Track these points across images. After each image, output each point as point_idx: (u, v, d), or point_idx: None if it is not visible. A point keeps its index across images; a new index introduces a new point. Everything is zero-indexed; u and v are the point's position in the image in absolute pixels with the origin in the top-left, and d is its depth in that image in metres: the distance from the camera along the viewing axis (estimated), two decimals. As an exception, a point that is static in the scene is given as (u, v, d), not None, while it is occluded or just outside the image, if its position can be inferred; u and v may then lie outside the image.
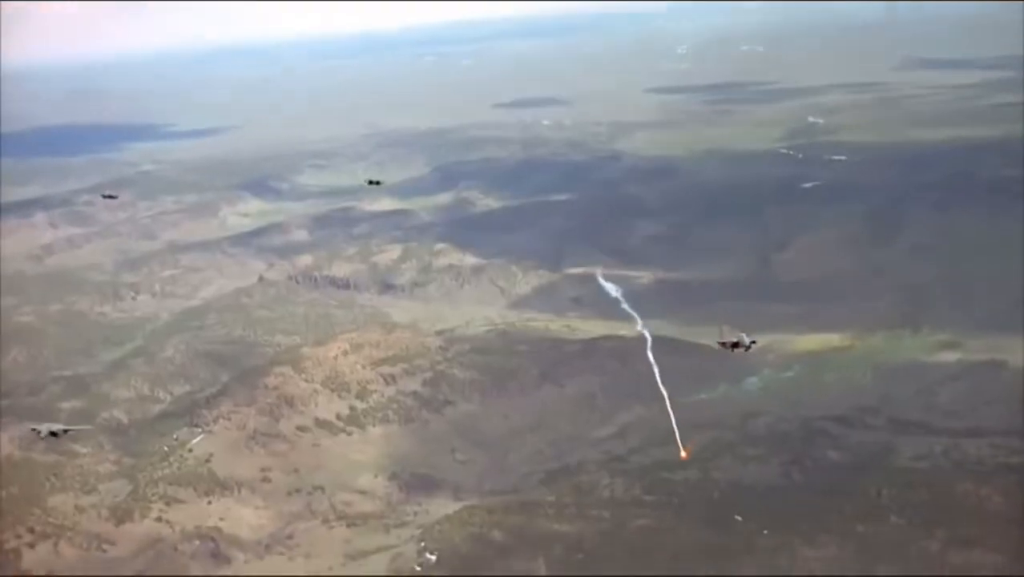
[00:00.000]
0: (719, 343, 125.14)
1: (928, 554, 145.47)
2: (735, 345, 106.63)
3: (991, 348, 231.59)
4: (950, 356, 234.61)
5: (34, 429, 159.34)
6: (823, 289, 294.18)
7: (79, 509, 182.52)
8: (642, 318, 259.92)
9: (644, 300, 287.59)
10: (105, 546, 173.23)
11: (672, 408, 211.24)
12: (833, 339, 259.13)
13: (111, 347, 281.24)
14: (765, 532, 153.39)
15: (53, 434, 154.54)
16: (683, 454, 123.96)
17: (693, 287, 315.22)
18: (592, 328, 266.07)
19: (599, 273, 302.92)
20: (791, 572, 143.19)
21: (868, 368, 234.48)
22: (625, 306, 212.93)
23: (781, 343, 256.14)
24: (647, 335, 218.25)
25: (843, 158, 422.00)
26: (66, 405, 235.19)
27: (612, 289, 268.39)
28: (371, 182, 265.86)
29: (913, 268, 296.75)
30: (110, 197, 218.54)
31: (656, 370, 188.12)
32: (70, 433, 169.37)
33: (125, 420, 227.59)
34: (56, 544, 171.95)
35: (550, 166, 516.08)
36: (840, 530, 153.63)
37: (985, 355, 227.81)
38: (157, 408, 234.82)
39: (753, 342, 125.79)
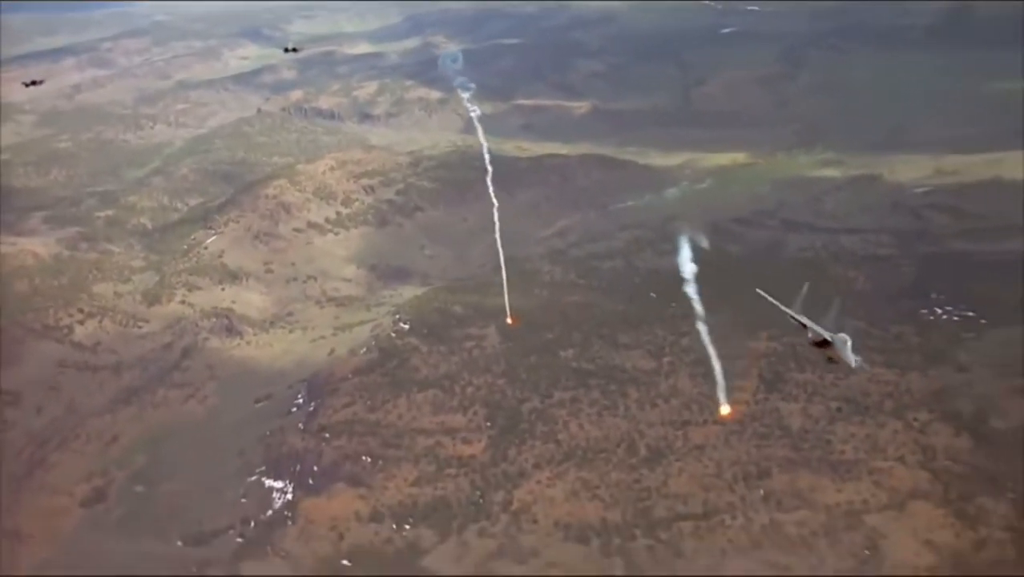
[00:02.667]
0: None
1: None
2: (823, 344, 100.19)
3: (869, 165, 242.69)
4: (835, 172, 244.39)
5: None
6: (734, 118, 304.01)
7: (117, 295, 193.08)
8: (582, 141, 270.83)
9: (584, 127, 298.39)
10: (140, 324, 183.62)
11: (605, 215, 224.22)
12: (740, 158, 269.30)
13: (135, 168, 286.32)
14: (673, 304, 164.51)
15: None
16: (509, 321, 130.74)
17: (626, 116, 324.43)
18: (538, 149, 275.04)
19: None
20: (683, 335, 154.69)
21: (767, 181, 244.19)
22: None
23: (697, 160, 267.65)
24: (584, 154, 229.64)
25: (756, 8, 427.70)
26: (100, 214, 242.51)
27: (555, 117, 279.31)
28: (287, 49, 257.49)
29: (810, 101, 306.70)
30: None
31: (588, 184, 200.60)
32: None
33: (150, 225, 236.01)
34: (100, 321, 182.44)
35: (505, 16, 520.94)
36: (731, 302, 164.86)
37: (864, 171, 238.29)
38: (176, 216, 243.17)
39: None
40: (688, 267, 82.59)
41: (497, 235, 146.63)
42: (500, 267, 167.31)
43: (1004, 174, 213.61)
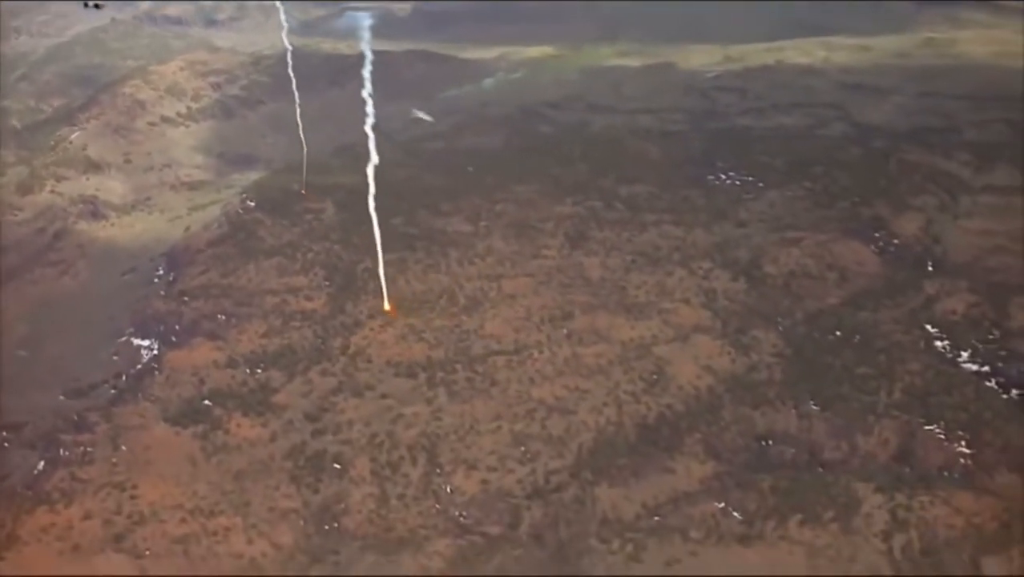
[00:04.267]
0: None
1: (602, 188, 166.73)
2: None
3: (665, 55, 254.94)
4: (636, 61, 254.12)
5: None
6: (544, 14, 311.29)
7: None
8: (405, 39, 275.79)
9: (406, 26, 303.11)
10: (15, 212, 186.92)
11: (428, 103, 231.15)
12: (550, 50, 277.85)
13: (2, 75, 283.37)
14: (489, 177, 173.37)
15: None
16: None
17: (446, 15, 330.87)
18: (362, 48, 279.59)
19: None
20: (497, 202, 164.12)
21: (575, 70, 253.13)
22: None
23: (511, 54, 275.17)
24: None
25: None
26: None
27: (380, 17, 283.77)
28: (88, 4, 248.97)
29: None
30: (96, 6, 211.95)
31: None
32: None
33: (19, 125, 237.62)
34: None
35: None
36: (540, 174, 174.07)
37: (661, 59, 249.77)
38: (43, 116, 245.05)
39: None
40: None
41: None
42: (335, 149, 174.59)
43: (785, 59, 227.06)
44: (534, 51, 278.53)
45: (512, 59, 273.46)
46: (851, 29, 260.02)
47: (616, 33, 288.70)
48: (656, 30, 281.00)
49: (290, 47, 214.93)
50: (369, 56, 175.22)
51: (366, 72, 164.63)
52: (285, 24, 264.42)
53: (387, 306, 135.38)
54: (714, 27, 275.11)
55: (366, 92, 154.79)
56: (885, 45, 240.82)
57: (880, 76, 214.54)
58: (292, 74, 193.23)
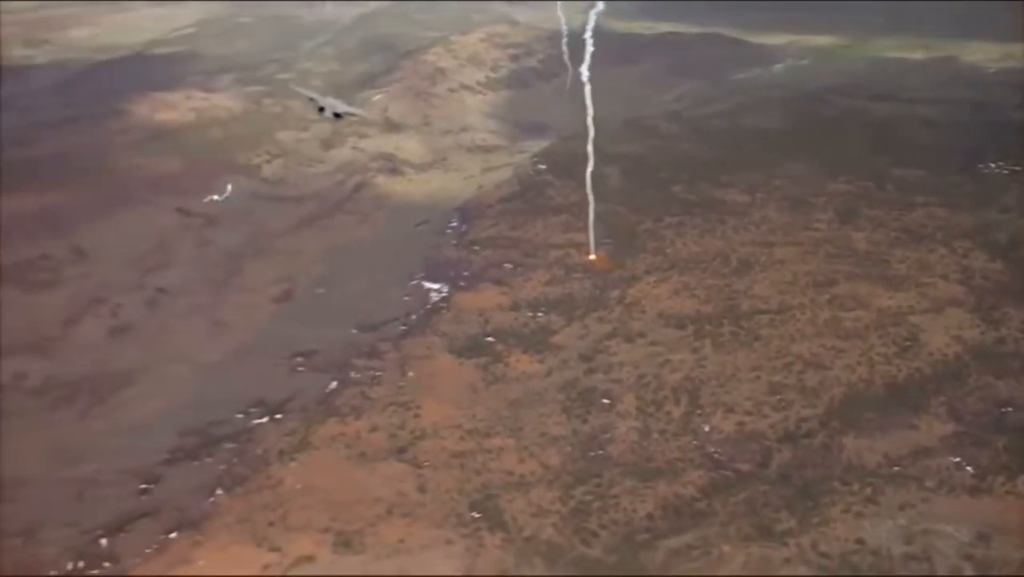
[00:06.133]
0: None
1: (875, 169, 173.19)
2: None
3: (949, 48, 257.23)
4: (919, 54, 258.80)
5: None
6: (831, 4, 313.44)
7: (298, 140, 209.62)
8: (697, 23, 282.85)
9: (697, 10, 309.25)
10: (317, 164, 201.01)
11: (717, 84, 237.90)
12: (837, 40, 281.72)
13: (308, 40, 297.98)
14: (768, 154, 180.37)
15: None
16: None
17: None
18: (659, 28, 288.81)
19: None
20: (774, 177, 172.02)
21: (860, 60, 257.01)
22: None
23: (799, 41, 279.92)
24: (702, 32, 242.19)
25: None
26: (279, 77, 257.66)
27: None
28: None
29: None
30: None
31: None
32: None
33: (323, 85, 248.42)
34: (284, 161, 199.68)
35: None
36: (816, 154, 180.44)
37: (944, 53, 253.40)
38: (346, 79, 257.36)
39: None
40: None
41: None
42: (624, 123, 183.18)
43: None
44: (822, 39, 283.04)
45: (800, 46, 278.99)
46: None
47: (902, 26, 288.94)
48: (939, 25, 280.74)
49: (588, 24, 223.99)
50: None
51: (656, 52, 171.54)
52: (583, 2, 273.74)
53: (593, 256, 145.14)
54: (994, 25, 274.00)
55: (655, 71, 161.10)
56: None
57: None
58: (587, 50, 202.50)
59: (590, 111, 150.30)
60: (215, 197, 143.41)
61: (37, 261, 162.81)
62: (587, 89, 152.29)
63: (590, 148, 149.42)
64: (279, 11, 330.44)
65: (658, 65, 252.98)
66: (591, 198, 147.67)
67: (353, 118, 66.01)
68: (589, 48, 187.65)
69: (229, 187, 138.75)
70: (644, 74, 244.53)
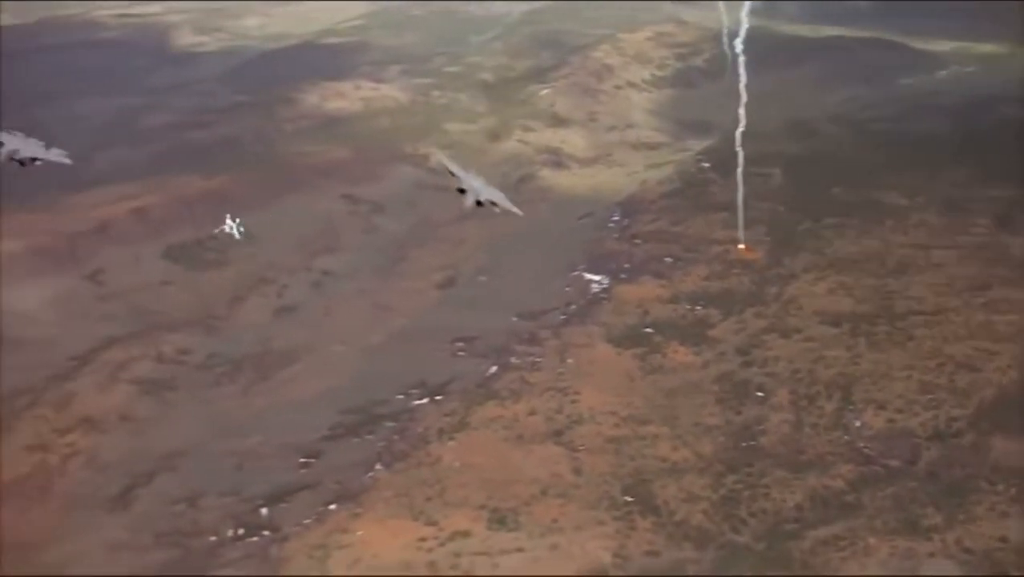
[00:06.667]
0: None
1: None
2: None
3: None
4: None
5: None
6: (994, 12, 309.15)
7: (465, 132, 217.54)
8: (861, 27, 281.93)
9: (860, 15, 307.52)
10: (483, 156, 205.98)
11: (880, 89, 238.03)
12: (1002, 47, 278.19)
13: (477, 34, 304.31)
14: (928, 159, 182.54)
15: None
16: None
17: (900, 7, 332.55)
18: (825, 31, 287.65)
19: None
20: (933, 181, 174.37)
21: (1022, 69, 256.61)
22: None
23: (965, 48, 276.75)
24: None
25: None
26: (449, 69, 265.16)
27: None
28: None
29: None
30: None
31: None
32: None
33: (491, 79, 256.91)
34: (451, 153, 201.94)
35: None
36: (976, 160, 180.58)
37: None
38: (513, 73, 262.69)
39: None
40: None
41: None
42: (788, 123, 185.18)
43: None
44: (986, 47, 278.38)
45: (965, 53, 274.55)
46: None
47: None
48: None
49: (746, 26, 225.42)
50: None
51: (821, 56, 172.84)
52: (748, 3, 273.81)
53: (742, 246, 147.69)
54: None
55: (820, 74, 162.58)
56: None
57: None
58: (750, 51, 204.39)
59: (747, 112, 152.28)
60: (223, 228, 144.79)
61: (206, 241, 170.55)
62: (745, 90, 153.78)
63: (741, 149, 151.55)
64: (448, 5, 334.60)
65: (822, 68, 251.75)
66: (740, 190, 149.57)
67: (495, 209, 65.30)
68: (740, 50, 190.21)
69: (229, 222, 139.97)
70: (808, 77, 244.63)
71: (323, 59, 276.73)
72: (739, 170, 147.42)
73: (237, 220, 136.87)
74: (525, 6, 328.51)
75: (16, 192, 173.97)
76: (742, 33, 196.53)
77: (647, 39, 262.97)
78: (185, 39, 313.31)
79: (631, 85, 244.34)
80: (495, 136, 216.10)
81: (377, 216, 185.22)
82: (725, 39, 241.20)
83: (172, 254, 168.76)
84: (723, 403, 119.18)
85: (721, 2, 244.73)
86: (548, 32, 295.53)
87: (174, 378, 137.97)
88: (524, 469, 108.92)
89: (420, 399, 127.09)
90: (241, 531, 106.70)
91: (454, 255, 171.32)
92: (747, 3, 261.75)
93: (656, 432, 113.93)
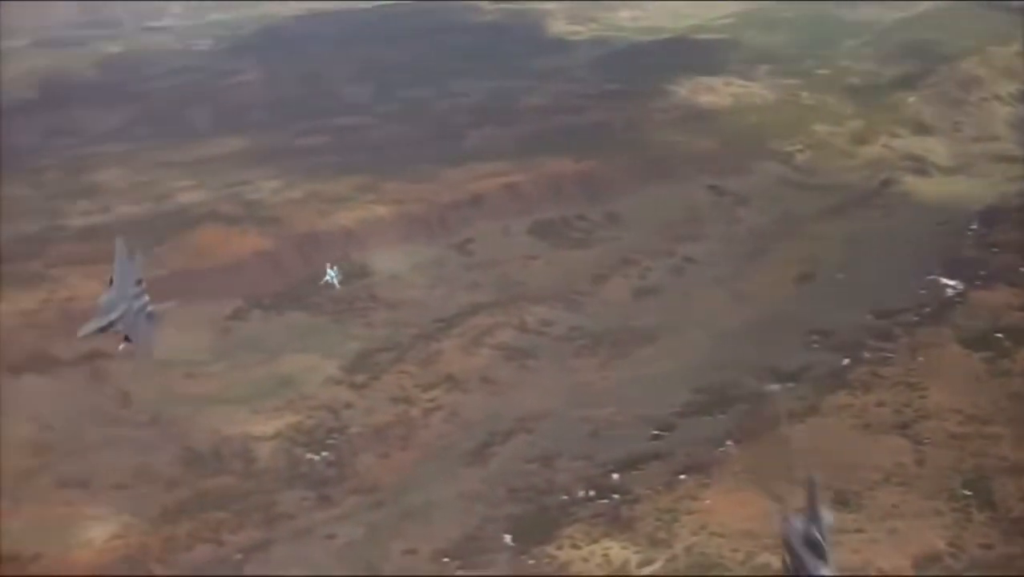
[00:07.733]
0: None
1: None
2: None
3: None
4: None
5: None
6: None
7: (831, 134, 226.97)
8: None
9: None
10: (848, 158, 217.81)
11: None
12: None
13: (848, 39, 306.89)
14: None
15: None
16: None
17: None
18: None
19: None
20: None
21: None
22: None
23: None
24: None
25: None
26: (819, 72, 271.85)
27: None
28: None
29: None
30: None
31: None
32: None
33: (859, 84, 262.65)
34: (816, 152, 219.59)
35: None
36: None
37: None
38: (882, 79, 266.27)
39: None
40: None
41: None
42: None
43: None
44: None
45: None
46: None
47: None
48: None
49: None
50: None
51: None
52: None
53: None
54: None
55: None
56: None
57: None
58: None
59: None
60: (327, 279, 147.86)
61: (573, 221, 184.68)
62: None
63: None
64: (820, 8, 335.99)
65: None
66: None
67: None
68: None
69: (329, 272, 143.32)
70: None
71: (694, 54, 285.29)
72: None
73: (335, 268, 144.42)
74: (897, 14, 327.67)
75: (393, 163, 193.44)
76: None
77: (1017, 53, 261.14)
78: (559, 27, 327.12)
79: (997, 98, 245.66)
80: (861, 140, 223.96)
81: (741, 208, 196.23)
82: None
83: (538, 230, 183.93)
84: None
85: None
86: (918, 40, 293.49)
87: (535, 347, 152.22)
88: (869, 456, 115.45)
89: (772, 384, 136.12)
90: (592, 493, 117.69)
91: (814, 251, 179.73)
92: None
93: (999, 432, 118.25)
